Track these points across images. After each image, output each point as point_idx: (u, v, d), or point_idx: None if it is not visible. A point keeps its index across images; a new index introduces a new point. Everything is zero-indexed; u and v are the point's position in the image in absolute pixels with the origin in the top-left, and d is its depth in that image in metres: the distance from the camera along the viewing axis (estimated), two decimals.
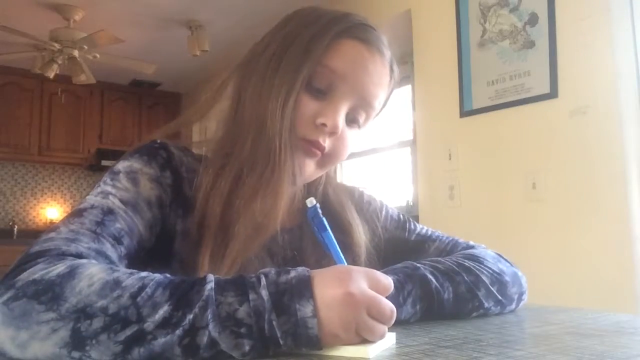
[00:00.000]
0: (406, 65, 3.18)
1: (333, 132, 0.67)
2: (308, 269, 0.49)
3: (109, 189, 0.62)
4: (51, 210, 4.85)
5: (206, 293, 0.45)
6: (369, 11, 2.80)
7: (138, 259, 0.62)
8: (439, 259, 0.70)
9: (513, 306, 0.73)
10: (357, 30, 0.69)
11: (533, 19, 2.00)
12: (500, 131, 2.11)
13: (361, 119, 0.71)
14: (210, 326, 0.43)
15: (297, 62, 0.66)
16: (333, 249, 0.58)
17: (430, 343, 0.51)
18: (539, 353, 0.46)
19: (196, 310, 0.44)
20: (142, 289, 0.45)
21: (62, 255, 0.51)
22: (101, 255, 0.55)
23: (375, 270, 0.51)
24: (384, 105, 0.76)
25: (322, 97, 0.67)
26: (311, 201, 0.60)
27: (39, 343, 0.43)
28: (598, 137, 1.79)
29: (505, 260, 0.77)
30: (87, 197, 0.62)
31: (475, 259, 0.72)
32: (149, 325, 0.43)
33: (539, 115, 1.98)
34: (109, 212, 0.59)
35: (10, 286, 0.46)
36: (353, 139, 0.72)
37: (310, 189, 0.77)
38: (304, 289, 0.46)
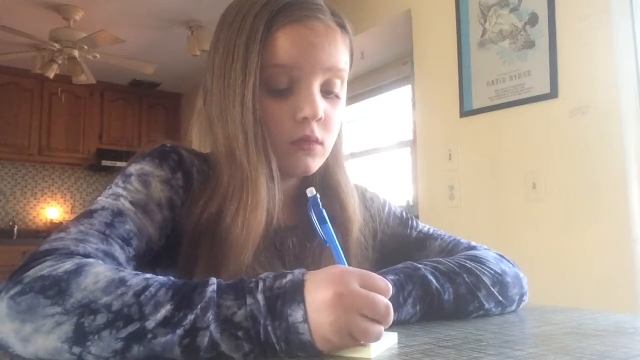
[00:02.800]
0: (406, 65, 3.18)
1: (318, 119, 0.66)
2: (305, 271, 0.48)
3: (120, 190, 0.63)
4: (51, 210, 4.85)
5: (208, 295, 0.45)
6: (369, 11, 2.80)
7: (147, 259, 0.63)
8: (440, 259, 0.70)
9: (514, 307, 0.73)
10: (283, 15, 0.66)
11: (533, 19, 2.00)
12: (500, 131, 2.11)
13: (336, 86, 0.70)
14: (212, 327, 0.44)
15: (243, 79, 0.64)
16: (332, 243, 0.57)
17: (430, 343, 0.51)
18: (539, 353, 0.46)
19: (197, 311, 0.44)
20: (146, 288, 0.45)
21: (70, 254, 0.52)
22: (109, 256, 0.55)
23: (372, 273, 0.49)
24: (352, 58, 0.74)
25: (289, 93, 0.67)
26: (311, 191, 0.58)
27: (43, 336, 0.44)
28: (598, 137, 1.79)
29: (507, 260, 0.77)
30: (99, 198, 0.63)
31: (477, 259, 0.71)
32: (150, 323, 0.43)
33: (539, 115, 1.98)
34: (119, 213, 0.60)
35: (18, 282, 0.47)
36: (338, 109, 0.71)
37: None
38: (296, 293, 0.45)
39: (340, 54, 0.69)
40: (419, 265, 0.67)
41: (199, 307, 0.44)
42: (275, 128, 0.66)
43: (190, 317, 0.44)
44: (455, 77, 2.27)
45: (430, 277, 0.65)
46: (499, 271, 0.71)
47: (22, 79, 4.47)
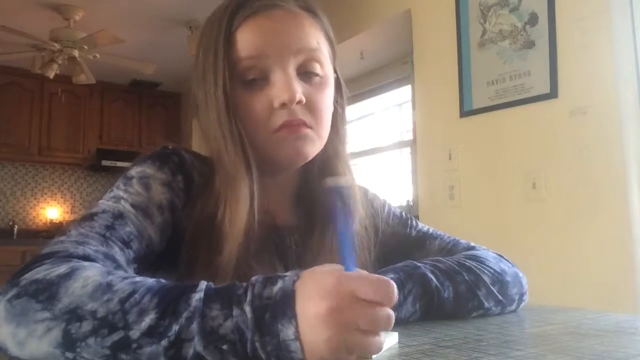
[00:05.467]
0: (406, 65, 3.18)
1: (298, 101, 0.65)
2: (297, 276, 0.44)
3: (121, 193, 0.63)
4: (51, 210, 4.85)
5: (194, 303, 0.43)
6: (369, 11, 2.79)
7: (148, 262, 0.63)
8: (440, 258, 0.71)
9: (513, 307, 0.73)
10: (242, 11, 0.67)
11: (533, 19, 2.00)
12: (500, 131, 2.11)
13: (315, 68, 0.69)
14: (196, 339, 0.42)
15: (214, 81, 0.66)
16: (345, 242, 0.51)
17: (430, 343, 0.51)
18: (539, 353, 0.46)
19: (182, 321, 0.42)
20: (131, 294, 0.44)
21: (69, 257, 0.52)
22: (109, 258, 0.55)
23: (373, 276, 0.43)
24: (330, 38, 0.73)
25: (265, 84, 0.67)
26: (334, 180, 0.54)
27: (36, 341, 0.44)
28: (598, 137, 1.79)
29: (507, 260, 0.77)
30: (100, 201, 0.63)
31: (477, 258, 0.72)
32: (134, 332, 0.42)
33: (539, 115, 1.98)
34: (119, 216, 0.60)
35: (15, 284, 0.48)
36: (324, 93, 0.70)
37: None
38: (287, 306, 0.42)
39: (309, 35, 0.68)
40: (419, 264, 0.67)
41: (183, 316, 0.42)
42: (256, 121, 0.66)
43: (175, 327, 0.42)
44: (455, 77, 2.27)
45: (430, 276, 0.65)
46: (499, 270, 0.71)
47: (22, 79, 4.47)
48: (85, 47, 3.44)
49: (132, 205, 0.62)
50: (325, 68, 0.70)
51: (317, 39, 0.69)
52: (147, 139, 5.00)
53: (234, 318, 0.42)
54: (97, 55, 3.58)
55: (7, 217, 4.66)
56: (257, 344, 0.41)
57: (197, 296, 0.44)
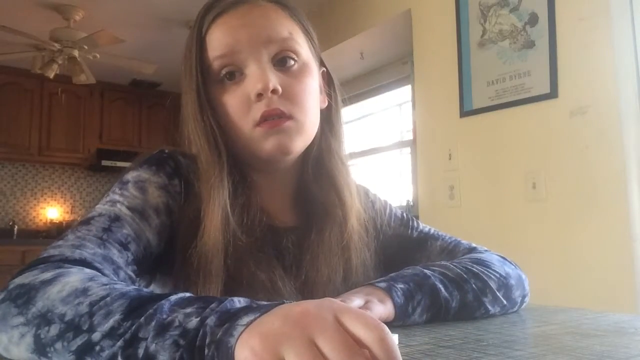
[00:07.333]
0: (406, 65, 3.18)
1: (273, 90, 0.65)
2: (242, 331, 0.36)
3: (117, 197, 0.63)
4: (51, 210, 4.85)
5: (162, 304, 0.40)
6: (369, 11, 2.79)
7: (147, 265, 0.63)
8: (448, 264, 0.70)
9: (515, 308, 0.73)
10: (211, 13, 0.69)
11: (533, 19, 2.00)
12: (500, 131, 2.11)
13: (290, 57, 0.68)
14: (150, 336, 0.38)
15: (189, 83, 0.68)
16: None
17: (430, 343, 0.51)
18: (539, 353, 0.46)
19: (142, 320, 0.39)
20: (103, 297, 0.42)
21: (63, 262, 0.52)
22: (107, 260, 0.55)
23: (363, 313, 0.34)
24: (306, 30, 0.73)
25: (241, 80, 0.67)
26: None
27: (15, 347, 0.44)
28: (598, 137, 1.79)
29: (510, 262, 0.77)
30: (96, 206, 0.63)
31: (483, 263, 0.72)
32: (96, 335, 0.40)
33: (539, 115, 1.98)
34: (116, 218, 0.60)
35: (5, 289, 0.48)
36: (304, 82, 0.69)
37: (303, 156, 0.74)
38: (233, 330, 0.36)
39: (278, 26, 0.68)
40: (429, 273, 0.67)
41: (145, 315, 0.39)
42: (235, 117, 0.67)
43: (134, 326, 0.39)
44: (455, 77, 2.27)
45: (440, 286, 0.65)
46: (504, 274, 0.72)
47: (22, 79, 4.46)
48: (85, 47, 3.44)
49: (129, 208, 0.62)
50: (302, 57, 0.70)
51: (288, 29, 0.69)
52: (147, 139, 5.00)
53: (202, 315, 0.38)
54: (97, 55, 3.58)
55: (7, 217, 4.65)
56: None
57: (169, 300, 0.41)
